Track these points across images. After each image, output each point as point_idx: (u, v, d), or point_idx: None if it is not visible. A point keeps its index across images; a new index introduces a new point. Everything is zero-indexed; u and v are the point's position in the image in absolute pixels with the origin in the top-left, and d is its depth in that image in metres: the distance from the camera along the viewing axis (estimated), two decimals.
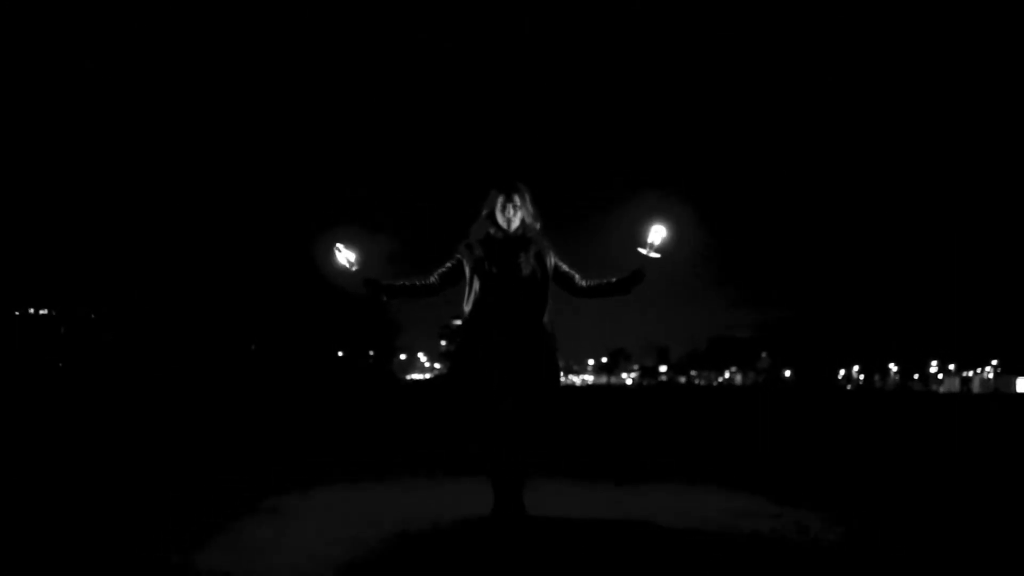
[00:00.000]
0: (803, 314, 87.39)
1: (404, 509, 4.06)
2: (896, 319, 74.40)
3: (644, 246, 3.67)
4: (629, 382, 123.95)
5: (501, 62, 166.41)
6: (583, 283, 3.75)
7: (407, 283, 3.70)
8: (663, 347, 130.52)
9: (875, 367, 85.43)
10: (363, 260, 3.64)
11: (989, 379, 72.53)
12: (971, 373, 75.51)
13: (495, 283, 3.61)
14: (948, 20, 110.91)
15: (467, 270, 3.67)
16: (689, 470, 5.94)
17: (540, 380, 3.58)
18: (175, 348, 39.07)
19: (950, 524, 4.00)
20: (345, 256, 3.62)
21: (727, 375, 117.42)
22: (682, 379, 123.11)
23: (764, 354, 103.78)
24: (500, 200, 3.68)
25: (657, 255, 3.67)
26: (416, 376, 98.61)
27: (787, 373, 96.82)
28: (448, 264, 3.72)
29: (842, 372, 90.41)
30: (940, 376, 79.58)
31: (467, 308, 3.66)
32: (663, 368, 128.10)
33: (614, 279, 3.74)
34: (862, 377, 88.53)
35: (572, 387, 66.15)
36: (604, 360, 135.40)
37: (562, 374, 3.96)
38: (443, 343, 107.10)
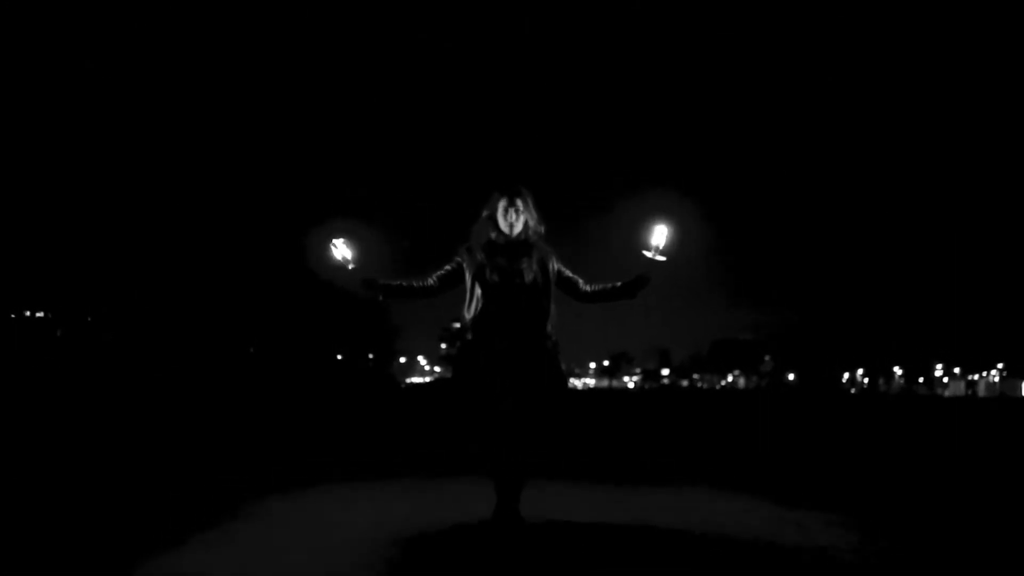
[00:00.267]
0: (807, 317, 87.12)
1: (404, 512, 4.08)
2: (901, 322, 74.15)
3: (649, 249, 3.59)
4: (631, 385, 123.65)
5: (501, 62, 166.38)
6: (587, 288, 3.69)
7: (404, 284, 3.63)
8: (665, 350, 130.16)
9: (879, 370, 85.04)
10: (360, 258, 3.56)
11: (995, 382, 72.29)
12: (976, 376, 75.20)
13: (497, 290, 3.54)
14: (950, 26, 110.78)
15: (467, 274, 3.61)
16: (691, 473, 5.94)
17: (542, 383, 3.52)
18: (172, 350, 38.96)
19: (956, 529, 3.98)
20: (342, 252, 3.54)
21: (730, 378, 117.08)
22: (684, 382, 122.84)
23: (767, 357, 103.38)
24: (502, 203, 3.61)
25: (663, 258, 3.59)
26: (416, 379, 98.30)
27: (791, 376, 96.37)
28: (447, 267, 3.65)
29: (846, 376, 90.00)
30: (945, 379, 79.22)
31: (468, 315, 3.58)
32: (665, 371, 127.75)
33: (619, 283, 3.67)
34: (866, 381, 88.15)
35: (573, 391, 65.80)
36: (605, 363, 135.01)
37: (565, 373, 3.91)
38: (443, 346, 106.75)
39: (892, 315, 75.20)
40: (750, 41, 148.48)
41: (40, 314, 40.53)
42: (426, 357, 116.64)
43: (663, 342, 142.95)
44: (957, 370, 77.42)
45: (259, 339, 46.15)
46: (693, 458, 7.40)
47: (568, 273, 3.69)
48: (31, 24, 34.14)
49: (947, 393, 73.17)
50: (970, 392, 72.67)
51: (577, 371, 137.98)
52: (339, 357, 55.74)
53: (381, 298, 3.66)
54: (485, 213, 3.64)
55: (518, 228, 3.61)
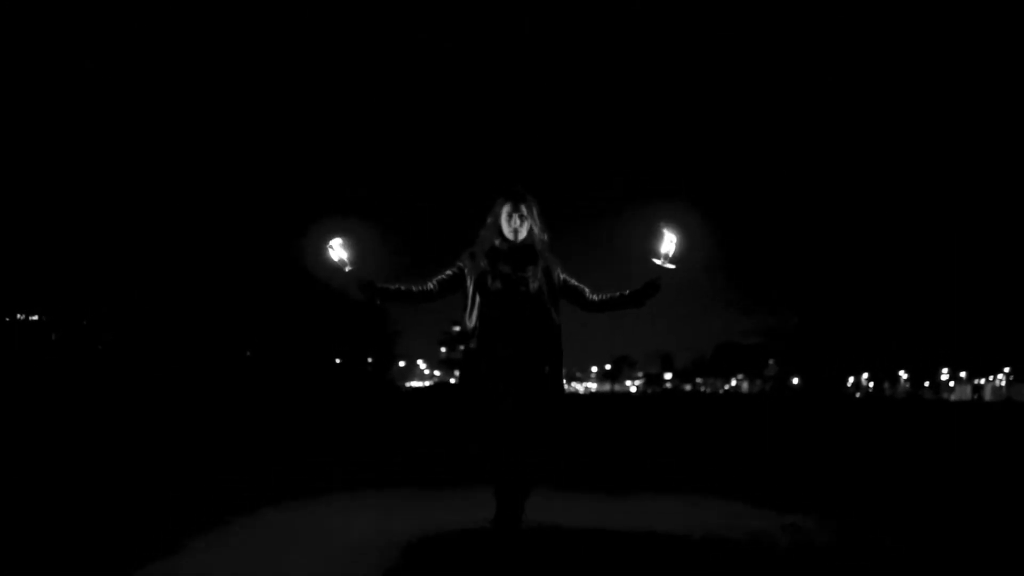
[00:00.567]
0: (811, 320, 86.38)
1: (404, 518, 4.08)
2: (906, 326, 73.57)
3: (658, 256, 3.51)
4: (633, 390, 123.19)
5: (502, 62, 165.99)
6: (594, 297, 3.64)
7: (403, 288, 3.55)
8: (668, 354, 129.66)
9: (885, 374, 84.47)
10: (358, 259, 3.47)
11: (1001, 387, 71.82)
12: (983, 381, 74.72)
13: (500, 297, 3.48)
14: (950, 31, 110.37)
15: (468, 281, 3.54)
16: (693, 478, 5.92)
17: (542, 385, 3.47)
18: (169, 354, 38.70)
19: (962, 533, 3.97)
20: (339, 254, 3.44)
21: (733, 383, 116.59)
22: (687, 387, 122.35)
23: (771, 361, 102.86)
24: (507, 209, 3.55)
25: (672, 266, 3.52)
26: (415, 383, 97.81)
27: (795, 381, 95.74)
28: (448, 272, 3.59)
29: (851, 380, 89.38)
30: (951, 384, 78.72)
31: (469, 322, 3.51)
32: (668, 375, 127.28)
33: (627, 292, 3.60)
34: (871, 385, 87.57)
35: (575, 395, 65.76)
36: (608, 367, 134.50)
37: (565, 382, 3.81)
38: (443, 350, 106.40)
39: (897, 319, 74.72)
40: (754, 47, 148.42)
41: (35, 317, 40.28)
42: (426, 361, 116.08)
43: (666, 346, 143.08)
44: (963, 374, 76.94)
45: (256, 343, 45.95)
46: (696, 463, 7.36)
47: (574, 282, 3.64)
48: (31, 24, 33.89)
49: (953, 397, 72.76)
50: (976, 396, 72.21)
51: (579, 375, 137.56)
52: (338, 361, 55.45)
53: (379, 302, 3.56)
54: (489, 219, 3.58)
55: (523, 234, 3.54)
